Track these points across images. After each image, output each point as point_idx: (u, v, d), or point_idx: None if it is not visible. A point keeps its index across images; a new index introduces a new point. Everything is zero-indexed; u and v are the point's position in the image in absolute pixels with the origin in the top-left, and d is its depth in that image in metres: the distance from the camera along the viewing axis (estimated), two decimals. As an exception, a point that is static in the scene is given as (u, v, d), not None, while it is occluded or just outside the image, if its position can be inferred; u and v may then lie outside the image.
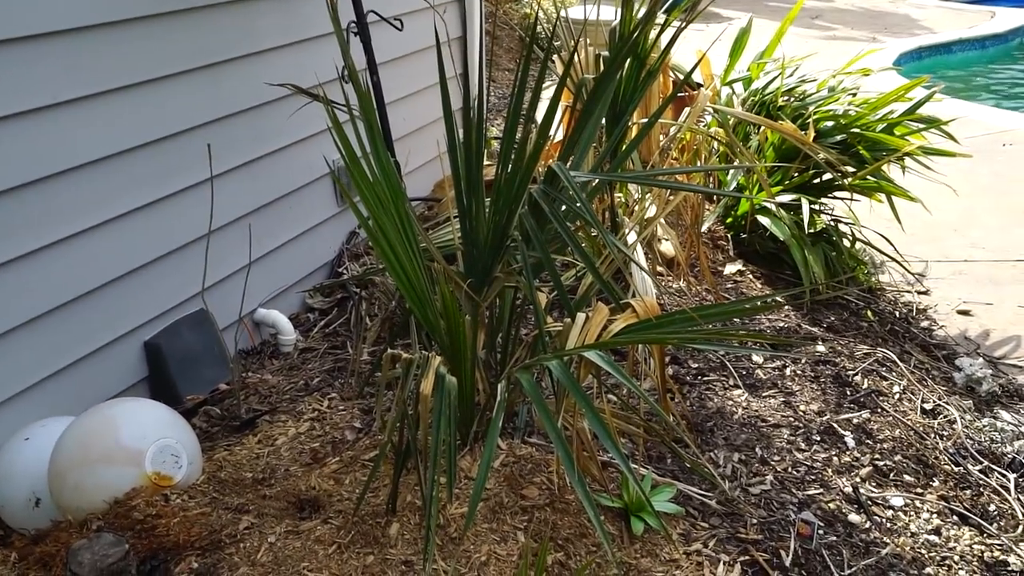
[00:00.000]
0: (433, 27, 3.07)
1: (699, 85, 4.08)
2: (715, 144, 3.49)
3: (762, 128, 3.71)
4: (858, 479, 2.36)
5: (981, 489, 2.44)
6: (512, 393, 2.06)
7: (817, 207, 3.67)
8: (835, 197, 3.76)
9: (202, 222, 2.53)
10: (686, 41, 2.61)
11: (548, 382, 2.31)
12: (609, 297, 2.04)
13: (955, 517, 2.30)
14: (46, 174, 2.15)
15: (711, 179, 3.76)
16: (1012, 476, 2.51)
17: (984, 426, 2.77)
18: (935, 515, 2.28)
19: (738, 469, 2.31)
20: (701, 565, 1.92)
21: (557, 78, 2.35)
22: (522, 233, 2.01)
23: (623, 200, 3.37)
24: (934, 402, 2.82)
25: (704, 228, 3.61)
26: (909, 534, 2.20)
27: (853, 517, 2.21)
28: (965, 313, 3.74)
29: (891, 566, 2.06)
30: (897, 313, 3.66)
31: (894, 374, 2.93)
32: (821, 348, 3.00)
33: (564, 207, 2.03)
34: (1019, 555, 2.18)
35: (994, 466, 2.56)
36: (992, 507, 2.37)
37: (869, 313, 3.49)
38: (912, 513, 2.28)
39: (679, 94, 4.01)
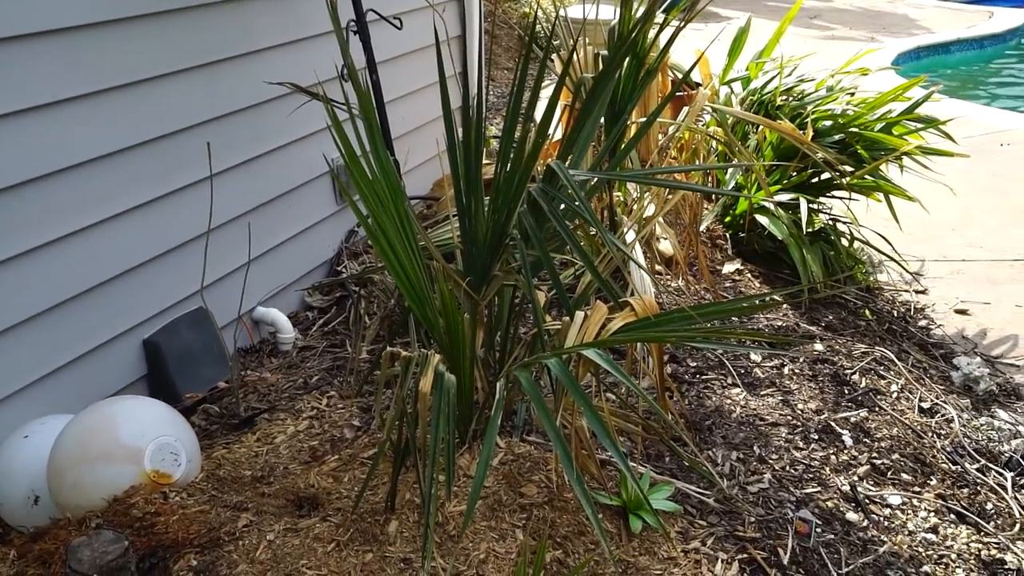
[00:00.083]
0: (432, 26, 3.07)
1: (698, 84, 4.08)
2: (714, 143, 3.50)
3: (760, 127, 3.71)
4: (856, 477, 2.36)
5: (978, 487, 2.45)
6: (511, 391, 2.07)
7: (815, 206, 3.68)
8: (833, 196, 3.77)
9: (201, 220, 2.53)
10: (685, 40, 2.62)
11: (547, 380, 2.32)
12: (608, 296, 2.04)
13: (952, 515, 2.31)
14: (46, 172, 2.15)
15: (710, 178, 3.77)
16: (1009, 475, 2.52)
17: (981, 425, 2.78)
18: (932, 513, 2.29)
19: (736, 467, 2.31)
20: (699, 563, 1.92)
21: (556, 77, 2.35)
22: (521, 232, 2.02)
23: (622, 199, 3.38)
24: (932, 401, 2.83)
25: (703, 227, 3.62)
26: (907, 532, 2.20)
27: (851, 515, 2.21)
28: (963, 312, 3.75)
29: (889, 564, 2.07)
30: (895, 312, 3.67)
31: (892, 373, 2.93)
32: (819, 347, 3.00)
33: (563, 206, 2.03)
34: (1016, 553, 2.19)
35: (991, 465, 2.56)
36: (989, 505, 2.38)
37: (867, 312, 3.50)
38: (910, 511, 2.28)
39: (678, 93, 4.01)
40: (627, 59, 2.72)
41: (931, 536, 2.21)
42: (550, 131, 2.04)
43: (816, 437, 2.49)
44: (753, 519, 2.11)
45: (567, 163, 2.12)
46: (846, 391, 2.75)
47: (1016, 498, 2.42)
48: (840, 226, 3.74)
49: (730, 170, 3.74)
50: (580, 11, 5.29)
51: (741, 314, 3.05)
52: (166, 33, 2.42)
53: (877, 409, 2.68)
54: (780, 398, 2.65)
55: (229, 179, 2.72)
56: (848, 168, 3.50)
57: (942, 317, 3.70)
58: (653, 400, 2.22)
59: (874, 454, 2.47)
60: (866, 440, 2.52)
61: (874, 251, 3.83)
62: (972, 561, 2.15)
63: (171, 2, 2.42)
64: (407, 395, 1.81)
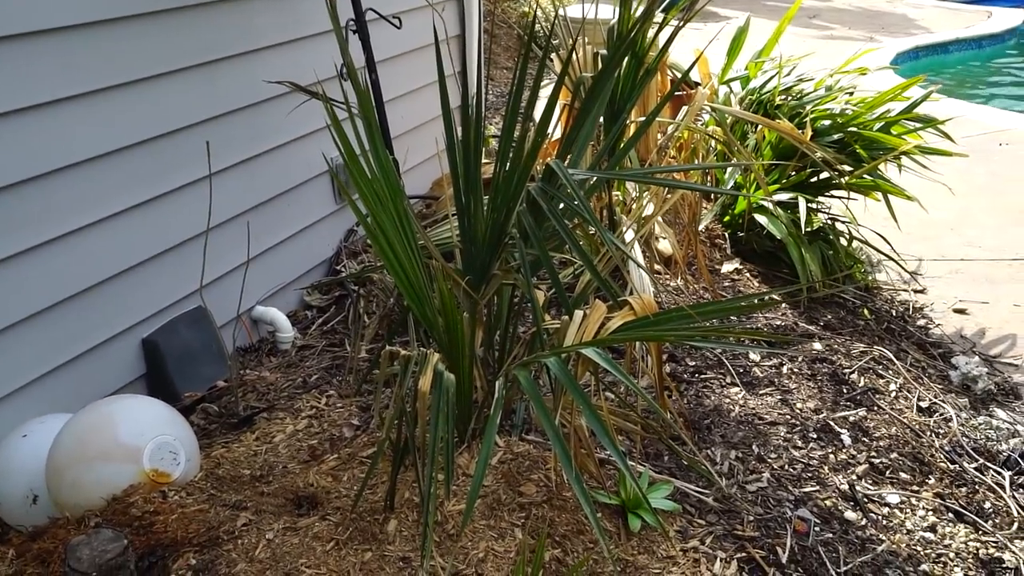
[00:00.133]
0: (432, 25, 3.07)
1: (697, 84, 4.08)
2: (713, 143, 3.50)
3: (759, 127, 3.72)
4: (854, 476, 2.36)
5: (976, 487, 2.45)
6: (510, 390, 2.07)
7: (814, 206, 3.68)
8: (832, 196, 3.77)
9: (200, 219, 2.53)
10: (684, 40, 2.62)
11: (546, 379, 2.32)
12: (607, 295, 2.04)
13: (951, 514, 2.31)
14: (45, 171, 2.15)
15: (709, 177, 3.77)
16: (1007, 474, 2.52)
17: (980, 424, 2.78)
18: (931, 512, 2.29)
19: (735, 466, 2.32)
20: (698, 562, 1.92)
21: (555, 76, 2.35)
22: (520, 231, 2.02)
23: (621, 198, 3.38)
24: (930, 400, 2.83)
25: (701, 226, 3.62)
26: (905, 531, 2.21)
27: (849, 514, 2.22)
28: (961, 312, 3.75)
29: (887, 563, 2.07)
30: (894, 311, 3.67)
31: (890, 372, 2.93)
32: (818, 346, 3.01)
33: (562, 205, 2.03)
34: (1014, 552, 2.19)
35: (989, 464, 2.57)
36: (987, 504, 2.38)
37: (866, 311, 3.50)
38: (908, 510, 2.28)
39: (677, 93, 4.01)
40: (626, 58, 2.72)
41: (929, 535, 2.21)
42: (549, 130, 2.05)
43: (815, 436, 2.49)
44: (752, 518, 2.11)
45: (566, 162, 2.12)
46: (845, 390, 2.76)
47: (1014, 497, 2.42)
48: (839, 225, 3.75)
49: (729, 169, 3.74)
50: (579, 10, 5.29)
51: (740, 313, 3.06)
52: (164, 32, 2.42)
53: (876, 408, 2.69)
54: (779, 397, 2.66)
55: (228, 178, 2.72)
56: (847, 167, 3.51)
57: (940, 316, 3.70)
58: (652, 399, 2.22)
59: (872, 453, 2.47)
60: (865, 439, 2.52)
61: (873, 250, 3.83)
62: (970, 560, 2.15)
63: (169, 1, 2.42)
64: (406, 394, 1.81)
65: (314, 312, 3.11)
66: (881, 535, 2.17)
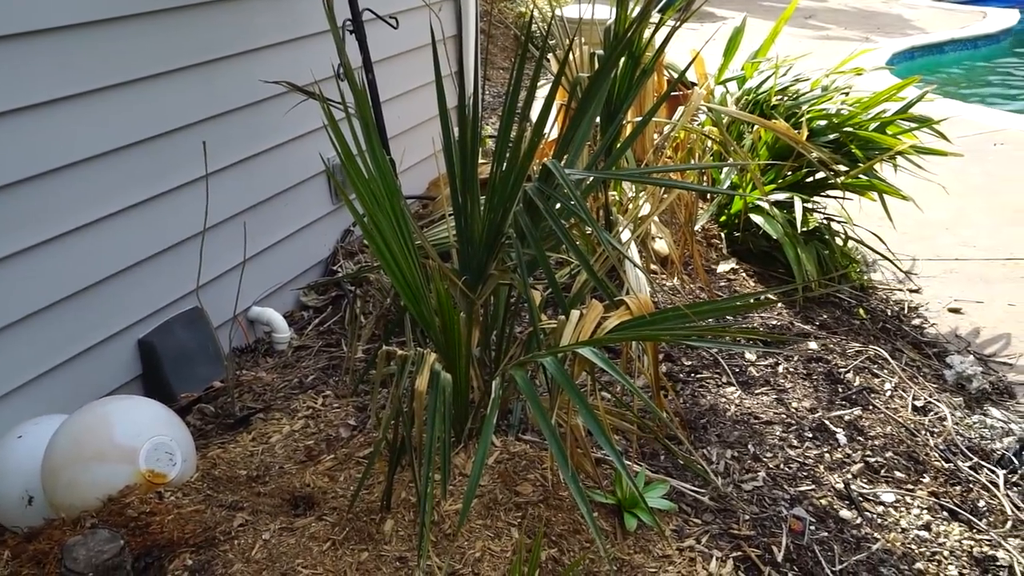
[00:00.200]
0: (429, 25, 3.07)
1: (693, 84, 4.09)
2: (709, 143, 3.51)
3: (756, 127, 3.72)
4: (849, 475, 2.37)
5: (971, 485, 2.46)
6: (506, 390, 2.07)
7: (810, 206, 3.69)
8: (828, 196, 3.78)
9: (197, 220, 2.53)
10: (680, 40, 2.62)
11: (542, 379, 2.32)
12: (603, 294, 2.05)
13: (945, 513, 2.32)
14: (41, 171, 2.15)
15: (705, 177, 3.78)
16: (1001, 472, 2.53)
17: (974, 423, 2.79)
18: (925, 511, 2.30)
19: (731, 466, 2.32)
20: (694, 561, 1.93)
21: (552, 76, 2.36)
22: (517, 231, 2.02)
23: (617, 198, 3.38)
24: (925, 399, 2.84)
25: (698, 226, 3.63)
26: (900, 530, 2.21)
27: (844, 513, 2.22)
28: (956, 311, 3.76)
29: (882, 561, 2.08)
30: (889, 311, 3.68)
31: (886, 371, 2.94)
32: (813, 345, 3.01)
33: (559, 205, 2.03)
34: (1008, 550, 2.20)
35: (983, 462, 2.58)
36: (981, 503, 2.39)
37: (861, 311, 3.51)
38: (903, 509, 2.29)
39: (673, 93, 4.02)
40: (623, 59, 2.72)
41: (924, 533, 2.22)
42: (546, 130, 2.05)
43: (810, 435, 2.50)
44: (747, 517, 2.12)
45: (563, 162, 2.12)
46: (840, 389, 2.76)
47: (1008, 495, 2.43)
48: (834, 225, 3.76)
49: (725, 169, 3.75)
50: (576, 10, 5.29)
51: (736, 313, 3.06)
52: (162, 32, 2.42)
53: (871, 407, 2.69)
54: (774, 396, 2.66)
55: (225, 178, 2.72)
56: (842, 167, 3.52)
57: (935, 316, 3.71)
58: (648, 398, 2.22)
59: (868, 452, 2.48)
60: (860, 438, 2.53)
61: (868, 250, 3.84)
62: (964, 558, 2.16)
63: (167, 1, 2.41)
64: (403, 394, 1.82)
65: (310, 312, 3.11)
66: (876, 534, 2.17)
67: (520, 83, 2.03)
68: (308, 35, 2.99)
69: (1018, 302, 3.81)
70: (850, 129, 3.58)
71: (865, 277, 3.86)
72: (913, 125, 3.63)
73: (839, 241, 3.74)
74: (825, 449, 2.46)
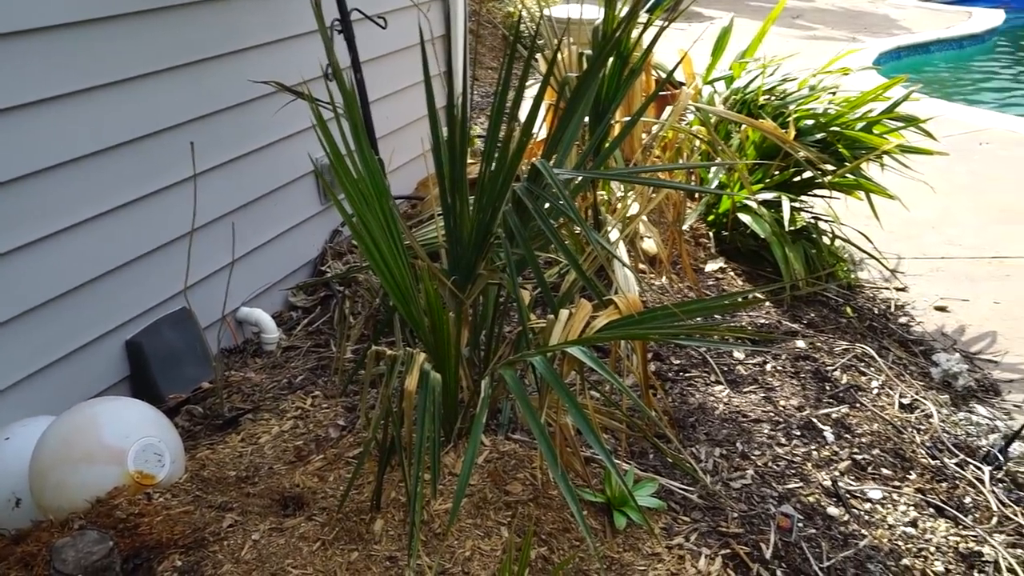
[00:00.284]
0: (417, 25, 3.07)
1: (681, 83, 4.11)
2: (697, 142, 3.52)
3: (743, 126, 3.74)
4: (837, 473, 2.39)
5: (957, 482, 2.48)
6: (496, 389, 2.07)
7: (797, 205, 3.71)
8: (815, 195, 3.80)
9: (185, 220, 2.53)
10: (668, 40, 2.63)
11: (531, 378, 2.32)
12: (592, 294, 2.05)
13: (931, 509, 2.34)
14: (29, 171, 2.13)
15: (693, 177, 3.79)
16: (987, 469, 2.55)
17: (960, 420, 2.81)
18: (912, 507, 2.31)
19: (719, 464, 2.33)
20: (683, 559, 1.94)
21: (540, 76, 2.36)
22: (506, 230, 2.02)
23: (606, 198, 3.39)
24: (911, 397, 2.86)
25: (686, 226, 3.64)
26: (887, 526, 2.23)
27: (832, 510, 2.24)
28: (942, 309, 3.79)
29: (869, 558, 2.09)
30: (876, 309, 3.71)
31: (872, 369, 2.96)
32: (801, 344, 3.03)
33: (547, 204, 2.04)
34: (993, 546, 2.22)
35: (969, 459, 2.60)
36: (967, 499, 2.41)
37: (848, 309, 3.53)
38: (890, 506, 2.31)
39: (661, 92, 4.03)
40: (611, 58, 2.73)
41: (911, 530, 2.23)
42: (534, 130, 2.05)
43: (798, 433, 2.51)
44: (736, 515, 2.13)
45: (552, 162, 2.13)
46: (827, 388, 2.78)
47: (993, 492, 2.45)
48: (822, 224, 3.78)
49: (713, 169, 3.77)
50: (564, 11, 5.30)
51: (724, 312, 3.08)
52: (151, 32, 2.41)
53: (858, 405, 2.71)
54: (763, 395, 2.68)
55: (214, 178, 2.71)
56: (830, 167, 3.54)
57: (922, 314, 3.74)
58: (637, 397, 2.23)
59: (855, 449, 2.49)
60: (847, 436, 2.55)
61: (855, 249, 3.87)
62: (951, 554, 2.18)
63: (156, 1, 2.41)
64: (392, 394, 1.82)
65: (299, 313, 3.11)
66: (863, 530, 2.19)
67: (509, 83, 2.04)
68: (297, 35, 2.99)
69: (1003, 300, 3.84)
70: (837, 128, 3.61)
71: (852, 276, 3.89)
72: (899, 124, 3.65)
73: (826, 240, 3.76)
74: (813, 447, 2.47)
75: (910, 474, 2.47)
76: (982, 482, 2.49)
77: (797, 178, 3.70)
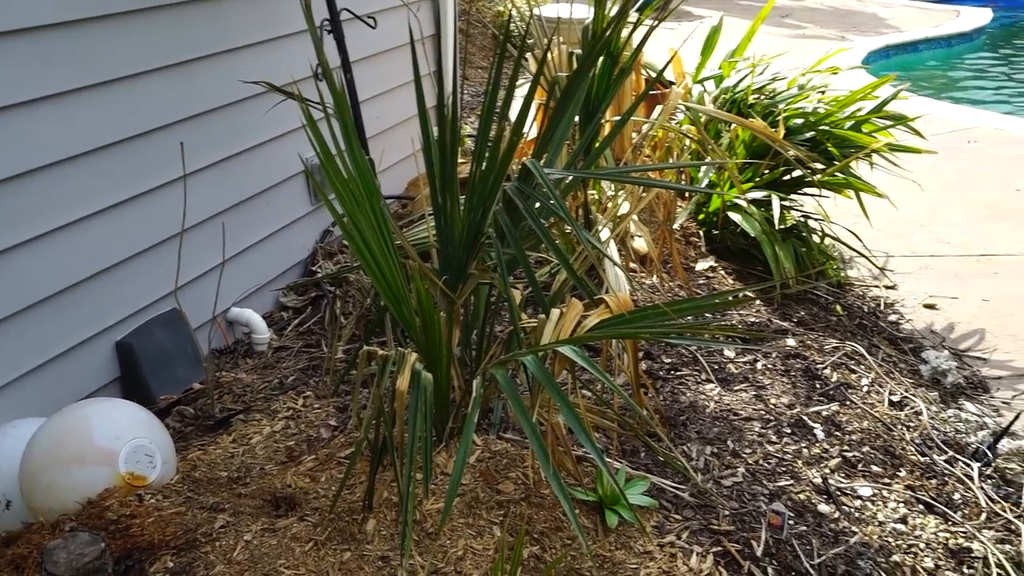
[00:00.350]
0: (407, 25, 3.07)
1: (671, 83, 4.12)
2: (687, 141, 3.53)
3: (733, 125, 3.75)
4: (827, 470, 2.40)
5: (946, 478, 2.49)
6: (487, 389, 2.08)
7: (787, 203, 3.72)
8: (805, 194, 3.81)
9: (175, 220, 2.52)
10: (658, 39, 2.64)
11: (523, 378, 2.33)
12: (583, 293, 2.06)
13: (921, 506, 2.35)
14: (19, 171, 2.12)
15: (683, 176, 3.80)
16: (976, 465, 2.57)
17: (949, 417, 2.83)
18: (902, 504, 2.33)
19: (710, 462, 2.34)
20: (674, 556, 1.94)
21: (531, 76, 2.36)
22: (496, 230, 2.03)
23: (596, 197, 3.40)
24: (901, 394, 2.88)
25: (676, 225, 3.65)
26: (877, 523, 2.24)
27: (823, 507, 2.25)
28: (931, 307, 3.81)
29: (859, 554, 2.10)
30: (865, 307, 3.72)
31: (862, 367, 2.98)
32: (791, 342, 3.04)
33: (538, 204, 2.04)
34: (982, 542, 2.24)
35: (958, 456, 2.62)
36: (956, 496, 2.43)
37: (838, 307, 3.55)
38: (880, 502, 2.32)
39: (651, 92, 4.04)
40: (601, 58, 2.74)
41: (900, 526, 2.25)
42: (525, 129, 2.06)
43: (788, 431, 2.53)
44: (727, 512, 2.14)
45: (542, 162, 2.13)
46: (818, 385, 2.79)
47: (982, 488, 2.47)
48: (811, 223, 3.79)
49: (703, 168, 3.78)
50: (554, 10, 5.31)
51: (714, 310, 3.09)
52: (141, 31, 2.41)
53: (848, 403, 2.73)
54: (753, 393, 2.69)
55: (204, 178, 2.70)
56: (819, 165, 3.55)
57: (911, 312, 3.76)
58: (628, 396, 2.24)
59: (845, 447, 2.51)
60: (837, 433, 2.56)
61: (845, 247, 3.88)
62: (940, 550, 2.19)
63: (145, 0, 2.40)
64: (384, 394, 1.82)
65: (290, 313, 3.11)
66: (854, 527, 2.20)
67: (499, 82, 2.04)
68: (287, 35, 2.99)
69: (991, 297, 3.87)
70: (826, 127, 3.62)
71: (842, 274, 3.90)
72: (888, 123, 3.67)
73: (816, 238, 3.78)
74: (803, 444, 2.49)
75: (900, 471, 2.48)
76: (971, 478, 2.51)
77: (787, 177, 3.71)
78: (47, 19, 2.13)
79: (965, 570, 2.15)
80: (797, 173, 3.65)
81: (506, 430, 2.29)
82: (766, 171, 3.67)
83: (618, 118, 3.04)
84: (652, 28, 2.35)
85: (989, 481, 2.53)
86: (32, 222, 2.18)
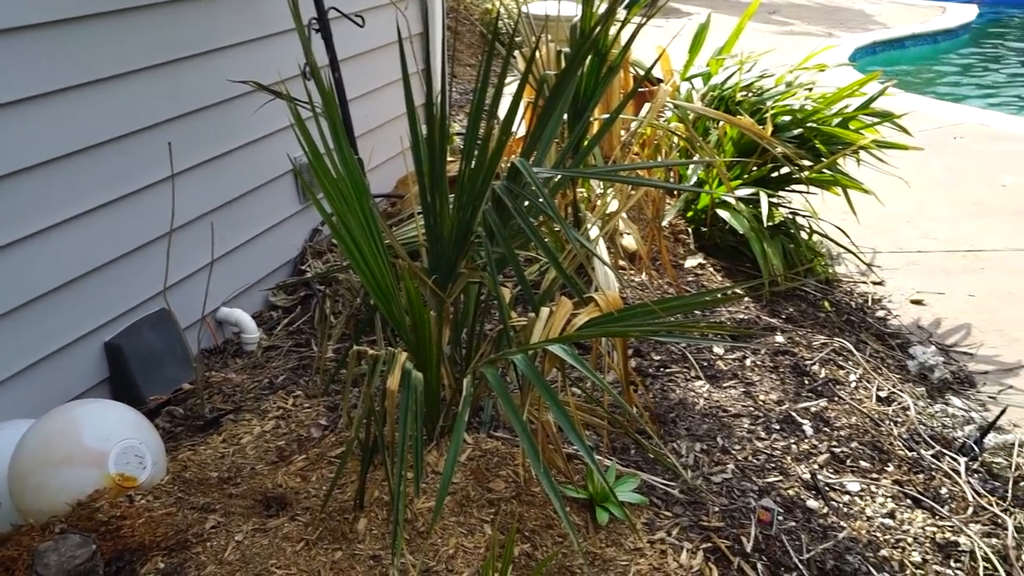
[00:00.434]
0: (395, 23, 3.07)
1: (659, 80, 4.13)
2: (675, 139, 3.54)
3: (721, 123, 3.77)
4: (816, 466, 2.42)
5: (933, 473, 2.52)
6: (478, 388, 2.08)
7: (775, 200, 3.74)
8: (793, 190, 3.83)
9: (164, 220, 2.51)
10: (646, 37, 2.65)
11: (513, 376, 2.34)
12: (572, 291, 2.06)
13: (909, 500, 2.37)
14: (5, 172, 2.11)
15: (672, 173, 3.81)
16: (962, 460, 2.59)
17: (936, 412, 2.85)
18: (890, 499, 2.35)
19: (700, 458, 2.35)
20: (665, 553, 1.96)
21: (519, 74, 2.37)
22: (486, 229, 2.03)
23: (585, 195, 3.41)
24: (889, 390, 2.90)
25: (665, 222, 3.66)
26: (865, 518, 2.26)
27: (811, 503, 2.26)
28: (918, 303, 3.84)
29: (848, 549, 2.12)
30: (853, 303, 3.75)
31: (850, 363, 3.00)
32: (780, 339, 3.06)
33: (527, 203, 2.05)
34: (969, 535, 2.26)
35: (945, 451, 2.64)
36: (944, 490, 2.45)
37: (826, 304, 3.57)
38: (868, 497, 2.34)
39: (640, 89, 4.05)
40: (589, 56, 2.74)
41: (888, 521, 2.26)
42: (513, 128, 2.06)
43: (777, 427, 2.54)
44: (717, 509, 2.15)
45: (531, 160, 2.14)
46: (806, 382, 2.81)
47: (969, 482, 2.49)
48: (799, 219, 3.81)
49: (692, 165, 3.79)
50: (542, 8, 5.31)
51: (704, 308, 3.10)
52: (128, 31, 2.39)
53: (836, 399, 2.74)
54: (742, 390, 2.70)
55: (193, 178, 2.69)
56: (806, 162, 3.57)
57: (898, 307, 3.79)
58: (618, 394, 2.25)
59: (833, 443, 2.52)
60: (826, 429, 2.58)
61: (832, 244, 3.91)
62: (928, 544, 2.21)
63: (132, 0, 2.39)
64: (374, 393, 1.82)
65: (279, 313, 3.10)
66: (842, 522, 2.22)
67: (488, 80, 2.04)
68: (274, 33, 2.98)
69: (978, 293, 3.90)
70: (814, 124, 3.64)
71: (830, 270, 3.93)
72: (875, 120, 3.69)
73: (804, 235, 3.80)
74: (792, 440, 2.50)
75: (887, 466, 2.50)
76: (958, 473, 2.53)
77: (775, 174, 3.73)
78: (34, 19, 2.11)
79: (952, 564, 2.17)
80: (785, 170, 3.67)
81: (496, 428, 2.30)
82: (754, 168, 3.69)
83: (606, 116, 3.05)
84: (640, 26, 2.36)
85: (976, 475, 2.55)
86: (18, 223, 2.17)
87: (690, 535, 2.04)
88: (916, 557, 2.16)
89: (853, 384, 2.87)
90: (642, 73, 3.68)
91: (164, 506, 1.96)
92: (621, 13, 2.82)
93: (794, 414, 2.61)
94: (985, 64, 9.63)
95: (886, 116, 3.70)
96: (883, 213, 4.20)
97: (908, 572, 2.11)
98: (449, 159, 2.24)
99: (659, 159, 3.37)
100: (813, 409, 2.66)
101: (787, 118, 3.69)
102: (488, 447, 2.13)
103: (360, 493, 1.92)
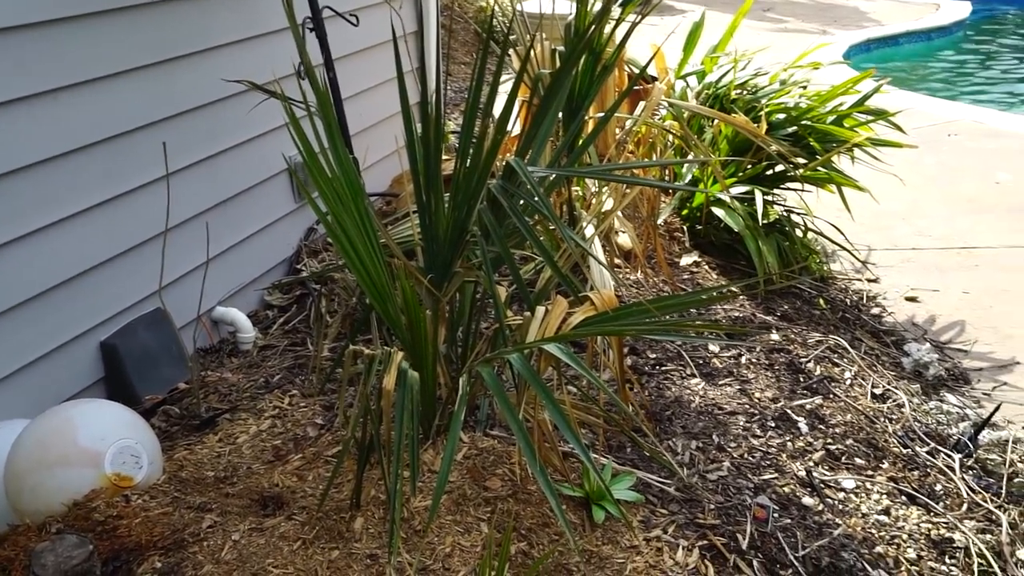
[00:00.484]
0: (389, 22, 3.06)
1: (654, 79, 4.13)
2: (670, 137, 3.55)
3: (716, 121, 3.77)
4: (811, 463, 2.42)
5: (928, 470, 2.53)
6: (473, 386, 2.08)
7: (770, 198, 3.75)
8: (787, 188, 3.84)
9: (159, 220, 2.51)
10: (640, 35, 2.65)
11: (509, 375, 2.34)
12: (568, 290, 2.07)
13: (904, 497, 2.38)
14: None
15: (667, 172, 3.82)
16: (957, 457, 2.60)
17: (931, 409, 2.86)
18: (885, 496, 2.36)
19: (696, 456, 2.36)
20: (661, 551, 1.96)
21: (514, 72, 2.37)
22: (481, 228, 2.03)
23: (580, 194, 3.41)
24: (884, 387, 2.91)
25: (660, 220, 3.67)
26: (860, 515, 2.27)
27: (807, 500, 2.27)
28: (913, 300, 3.85)
29: (843, 546, 2.13)
30: (848, 301, 3.76)
31: (845, 360, 3.01)
32: (775, 336, 3.07)
33: (522, 202, 2.05)
34: (964, 532, 2.27)
35: (940, 447, 2.65)
36: (938, 487, 2.46)
37: (821, 301, 3.58)
38: (863, 494, 2.35)
39: (634, 88, 4.05)
40: (584, 55, 2.74)
41: (883, 518, 2.27)
42: (508, 127, 2.06)
43: (773, 425, 2.55)
44: (713, 506, 2.15)
45: (526, 159, 2.14)
46: (801, 379, 2.82)
47: (964, 479, 2.50)
48: (794, 217, 3.82)
49: (687, 164, 3.79)
50: (537, 6, 5.31)
51: (699, 306, 3.10)
52: (120, 31, 2.39)
53: (831, 396, 2.75)
54: (738, 387, 2.71)
55: (187, 177, 2.69)
56: (801, 160, 3.58)
57: (893, 305, 3.80)
58: (613, 392, 2.25)
59: (829, 440, 2.53)
60: (821, 426, 2.59)
61: (827, 241, 3.92)
62: (922, 541, 2.22)
63: (123, -1, 2.39)
64: (370, 392, 1.82)
65: (275, 312, 3.10)
66: (837, 519, 2.23)
67: (482, 79, 2.04)
68: (269, 32, 2.97)
69: (972, 290, 3.91)
70: (808, 122, 3.65)
71: (825, 268, 3.94)
72: (869, 117, 3.70)
73: (799, 233, 3.81)
74: (787, 438, 2.51)
75: (883, 463, 2.51)
76: (952, 470, 2.54)
77: (769, 172, 3.74)
78: (26, 19, 2.11)
79: (947, 560, 2.18)
80: (780, 168, 3.68)
81: (493, 427, 2.30)
82: (749, 166, 3.70)
83: (601, 115, 3.05)
84: (635, 24, 2.36)
85: (970, 472, 2.56)
86: (12, 223, 2.17)
87: (686, 532, 2.04)
88: (911, 553, 2.17)
89: (848, 381, 2.88)
90: (637, 71, 3.68)
91: (160, 506, 1.96)
92: (616, 11, 2.82)
93: (789, 411, 2.62)
94: (979, 61, 9.65)
95: (880, 114, 3.71)
96: (878, 210, 4.21)
97: (903, 568, 2.12)
98: (444, 158, 2.24)
99: (654, 157, 3.37)
100: (808, 406, 2.67)
101: (782, 116, 3.70)
102: (484, 446, 2.14)
103: (356, 492, 1.93)
